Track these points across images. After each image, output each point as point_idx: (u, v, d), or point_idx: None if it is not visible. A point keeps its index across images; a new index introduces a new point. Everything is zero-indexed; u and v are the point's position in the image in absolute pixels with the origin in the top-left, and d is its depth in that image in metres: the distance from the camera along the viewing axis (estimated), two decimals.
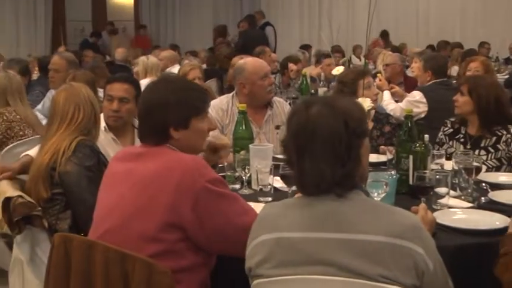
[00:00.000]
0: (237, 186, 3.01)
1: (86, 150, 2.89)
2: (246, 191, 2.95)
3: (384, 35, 12.07)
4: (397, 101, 5.39)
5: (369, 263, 1.77)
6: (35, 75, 7.29)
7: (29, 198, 2.70)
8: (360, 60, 9.10)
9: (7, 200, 2.66)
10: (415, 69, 6.57)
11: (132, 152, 2.38)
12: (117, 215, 2.19)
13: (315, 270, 1.79)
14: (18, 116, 4.30)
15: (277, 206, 2.01)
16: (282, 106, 4.06)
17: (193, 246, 2.14)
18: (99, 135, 3.18)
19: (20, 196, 2.67)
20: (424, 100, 5.11)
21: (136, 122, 3.71)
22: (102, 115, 3.39)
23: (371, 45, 10.07)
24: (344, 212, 1.83)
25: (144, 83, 5.37)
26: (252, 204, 2.52)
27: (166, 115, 2.27)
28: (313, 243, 1.82)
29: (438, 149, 3.55)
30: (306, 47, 11.14)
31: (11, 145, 4.04)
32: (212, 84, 7.51)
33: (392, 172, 2.80)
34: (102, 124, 3.44)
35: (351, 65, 8.07)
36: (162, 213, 2.10)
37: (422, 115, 5.06)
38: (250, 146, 3.08)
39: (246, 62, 4.10)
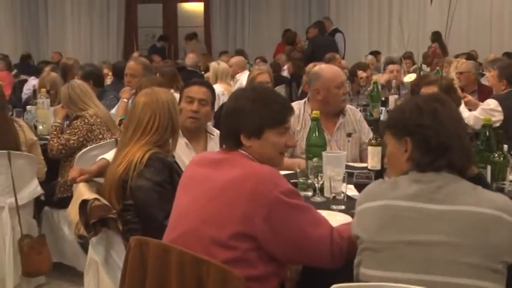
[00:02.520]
0: (310, 193, 2.99)
1: (157, 164, 2.85)
2: (318, 199, 2.92)
3: (437, 37, 11.71)
4: (470, 110, 5.26)
5: (471, 233, 1.86)
6: (109, 80, 7.45)
7: (104, 201, 2.73)
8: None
9: (84, 203, 2.70)
10: (489, 78, 6.40)
11: (210, 158, 2.40)
12: (191, 219, 2.20)
13: (418, 239, 1.88)
14: (98, 120, 4.41)
15: (385, 181, 2.12)
16: (354, 114, 4.00)
17: (265, 256, 2.14)
18: (176, 146, 3.13)
19: (97, 199, 2.71)
20: (500, 108, 4.97)
21: (210, 128, 3.79)
22: None
23: (431, 54, 9.87)
24: (452, 188, 1.94)
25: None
26: (325, 212, 2.51)
27: (239, 121, 2.31)
28: (419, 213, 1.90)
29: None
30: (375, 54, 11.02)
31: (86, 148, 4.16)
32: (281, 90, 7.52)
33: None
34: None
35: (422, 72, 7.95)
36: (235, 221, 2.10)
37: (497, 124, 4.91)
38: (323, 153, 3.05)
39: (323, 68, 4.07)
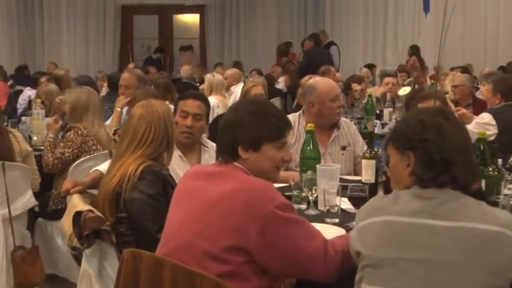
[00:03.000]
0: (304, 206, 2.99)
1: (151, 176, 2.83)
2: (312, 212, 2.93)
3: (415, 51, 11.73)
4: (464, 123, 5.26)
5: (474, 250, 1.84)
6: (103, 91, 7.46)
7: (98, 213, 2.73)
8: (426, 80, 8.95)
9: (78, 214, 2.69)
10: (484, 91, 6.41)
11: (203, 171, 2.39)
12: (184, 233, 2.19)
13: (420, 256, 1.86)
14: (91, 132, 4.40)
15: (386, 196, 2.09)
16: (348, 127, 4.00)
17: (259, 270, 2.13)
18: (171, 159, 3.12)
19: (90, 210, 2.70)
20: (494, 122, 4.98)
21: (204, 140, 3.79)
22: None
23: (409, 67, 9.90)
24: (455, 205, 1.92)
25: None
26: (319, 226, 2.51)
27: (237, 133, 2.31)
28: (420, 229, 1.89)
29: (510, 174, 3.45)
30: (370, 67, 11.06)
31: (80, 160, 4.16)
32: (276, 102, 7.53)
33: None
34: None
35: (416, 86, 7.97)
36: (228, 234, 2.09)
37: (492, 138, 4.91)
38: (318, 166, 3.06)
39: (318, 81, 4.08)
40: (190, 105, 3.60)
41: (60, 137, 4.61)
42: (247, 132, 2.31)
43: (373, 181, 3.18)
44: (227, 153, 2.33)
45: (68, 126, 4.48)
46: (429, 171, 1.96)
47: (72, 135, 4.38)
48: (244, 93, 5.61)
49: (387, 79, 7.72)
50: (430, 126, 1.98)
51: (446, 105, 4.16)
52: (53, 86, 6.13)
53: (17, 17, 15.22)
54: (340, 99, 3.97)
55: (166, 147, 3.00)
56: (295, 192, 3.02)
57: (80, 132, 4.38)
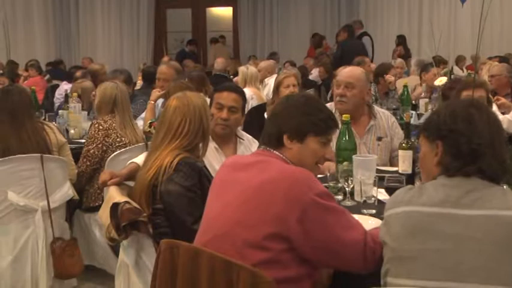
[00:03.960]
0: (340, 197, 2.97)
1: (186, 169, 2.83)
2: (348, 203, 2.91)
3: (402, 41, 11.48)
4: (503, 113, 5.19)
5: (501, 238, 1.82)
6: (139, 84, 7.51)
7: (135, 204, 2.74)
8: (463, 71, 8.82)
9: (115, 206, 2.71)
10: None
11: (242, 161, 2.41)
12: (223, 222, 2.20)
13: (446, 246, 1.85)
14: (114, 124, 4.43)
15: (412, 187, 2.09)
16: (386, 118, 3.96)
17: (298, 258, 2.13)
18: (206, 151, 3.12)
19: (127, 202, 2.72)
20: None
21: (239, 132, 3.79)
22: None
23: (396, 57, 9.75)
24: (480, 194, 1.90)
25: None
26: (356, 217, 2.49)
27: (285, 122, 2.36)
28: (446, 219, 1.88)
29: None
30: (405, 57, 10.95)
31: (116, 153, 4.18)
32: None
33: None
34: None
35: (453, 76, 7.86)
36: (269, 222, 2.09)
37: None
38: (354, 156, 3.04)
39: (340, 69, 4.08)
40: (226, 97, 3.60)
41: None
42: (295, 122, 2.35)
43: (410, 172, 3.16)
44: (272, 141, 2.36)
45: (91, 123, 4.53)
46: (456, 161, 1.95)
47: (93, 131, 4.43)
48: (277, 84, 5.59)
49: (434, 70, 7.57)
50: (461, 117, 1.98)
51: (489, 95, 4.08)
52: (88, 82, 6.21)
53: (53, 12, 15.44)
54: (342, 88, 3.84)
55: (202, 139, 3.00)
56: (331, 183, 3.00)
57: (100, 127, 4.41)
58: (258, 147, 2.47)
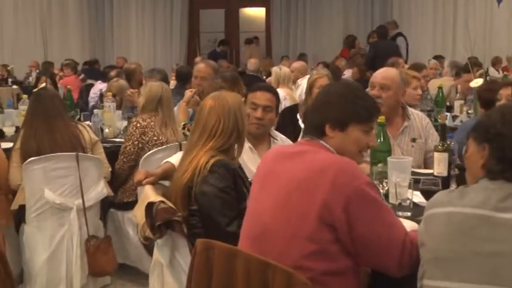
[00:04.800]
0: None
1: (221, 170, 2.83)
2: None
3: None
4: None
5: None
6: (172, 84, 7.54)
7: (170, 204, 2.76)
8: (499, 73, 8.69)
9: (150, 205, 2.73)
10: None
11: (286, 151, 2.40)
12: (270, 215, 2.21)
13: (485, 248, 1.82)
14: (152, 123, 4.46)
15: (454, 189, 2.07)
16: (420, 119, 3.92)
17: (345, 250, 2.12)
18: (241, 152, 3.10)
19: (162, 201, 2.73)
20: None
21: (273, 132, 3.80)
22: None
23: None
24: None
25: None
26: None
27: (326, 111, 2.35)
28: (485, 221, 1.85)
29: None
30: (438, 58, 10.83)
31: (150, 152, 4.21)
32: None
33: None
34: None
35: (488, 77, 7.75)
36: (317, 210, 2.08)
37: None
38: (389, 158, 3.01)
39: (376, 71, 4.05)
40: (260, 97, 3.63)
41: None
42: (337, 111, 2.34)
43: (445, 174, 3.12)
44: (314, 131, 2.36)
45: (129, 120, 4.58)
46: (499, 165, 1.93)
47: (131, 129, 4.48)
48: (310, 86, 5.58)
49: (466, 76, 7.46)
50: (510, 122, 1.94)
51: None
52: (122, 82, 6.26)
53: (87, 12, 15.65)
54: (376, 89, 3.80)
55: (237, 139, 2.99)
56: None
57: (138, 125, 4.46)
58: (301, 137, 2.47)
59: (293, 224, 2.12)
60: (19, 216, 4.06)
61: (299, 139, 3.85)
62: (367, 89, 3.79)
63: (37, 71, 11.44)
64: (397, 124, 3.84)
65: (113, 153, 4.54)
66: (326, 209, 2.07)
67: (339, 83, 2.55)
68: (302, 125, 4.09)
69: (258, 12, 16.25)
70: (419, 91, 5.40)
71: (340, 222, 2.07)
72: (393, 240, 2.10)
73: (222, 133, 2.93)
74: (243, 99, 3.68)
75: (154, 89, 4.61)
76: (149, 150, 4.27)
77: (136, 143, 4.43)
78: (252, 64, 9.52)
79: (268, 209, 2.23)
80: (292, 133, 4.88)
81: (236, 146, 3.02)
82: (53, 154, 3.92)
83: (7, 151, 4.17)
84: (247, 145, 3.56)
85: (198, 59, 10.78)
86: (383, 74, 3.91)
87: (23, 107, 5.38)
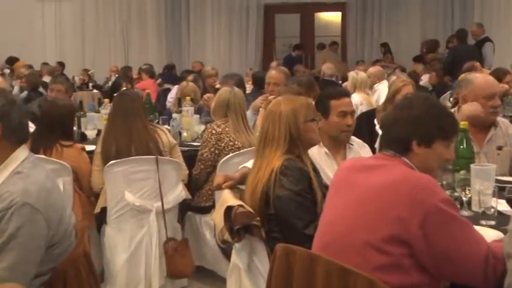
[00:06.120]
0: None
1: (295, 173, 2.84)
2: (466, 213, 2.82)
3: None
4: None
5: None
6: (248, 89, 7.60)
7: (249, 208, 2.77)
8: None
9: (229, 209, 2.75)
10: None
11: (364, 163, 2.39)
12: (342, 224, 2.20)
13: None
14: (227, 128, 4.49)
15: None
16: (505, 127, 3.80)
17: (419, 265, 2.08)
18: (310, 157, 3.08)
19: (241, 205, 2.75)
20: None
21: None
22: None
23: None
24: None
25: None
26: (476, 228, 2.40)
27: (414, 127, 2.31)
28: None
29: None
30: None
31: (228, 156, 4.25)
32: None
33: None
34: None
35: None
36: (389, 224, 2.06)
37: None
38: (472, 165, 2.94)
39: (477, 76, 3.95)
40: (347, 104, 3.65)
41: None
42: (425, 128, 2.30)
43: None
44: (399, 146, 2.32)
45: (205, 127, 4.62)
46: None
47: (207, 136, 4.52)
48: (394, 92, 5.48)
49: None
50: None
51: None
52: (192, 85, 6.36)
53: (165, 18, 15.96)
54: (497, 99, 3.72)
55: (292, 144, 2.95)
56: (447, 192, 2.91)
57: (213, 131, 4.50)
58: (379, 150, 2.43)
59: (365, 234, 2.10)
60: (101, 218, 4.17)
61: (376, 146, 3.81)
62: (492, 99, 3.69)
63: (116, 75, 11.75)
64: (485, 132, 3.73)
65: (190, 157, 4.60)
66: (401, 224, 2.05)
67: (420, 97, 2.49)
68: (379, 131, 4.10)
69: (333, 17, 16.14)
70: None
71: (416, 239, 2.04)
72: (474, 256, 2.04)
73: (275, 139, 2.94)
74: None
75: (222, 94, 4.66)
76: (225, 156, 4.30)
77: (212, 149, 4.47)
78: (328, 68, 9.45)
79: (339, 218, 2.22)
80: (369, 138, 4.81)
81: (296, 151, 2.97)
82: (133, 157, 4.00)
83: (89, 153, 4.30)
84: (323, 150, 3.58)
85: (273, 63, 10.83)
86: (495, 82, 3.88)
87: (105, 111, 5.53)
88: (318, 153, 3.54)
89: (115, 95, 4.82)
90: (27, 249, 2.14)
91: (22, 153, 2.34)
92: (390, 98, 5.39)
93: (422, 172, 2.24)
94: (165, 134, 4.34)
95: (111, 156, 4.04)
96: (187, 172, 4.47)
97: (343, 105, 3.62)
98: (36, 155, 2.65)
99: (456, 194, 2.90)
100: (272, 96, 5.36)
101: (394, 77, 7.54)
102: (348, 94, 3.79)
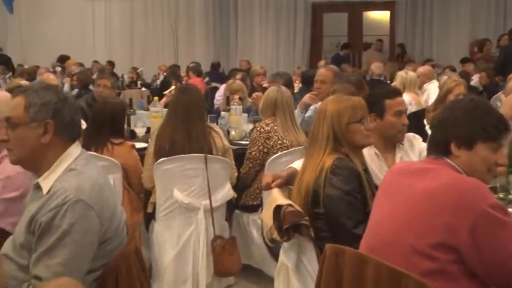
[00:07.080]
0: (510, 209, 2.81)
1: (345, 172, 2.83)
2: None
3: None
4: None
5: None
6: (296, 87, 7.58)
7: (298, 207, 2.76)
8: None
9: (278, 208, 2.75)
10: None
11: (411, 167, 2.36)
12: (389, 227, 2.18)
13: None
14: (275, 127, 4.49)
15: None
16: None
17: (468, 271, 2.04)
18: (360, 157, 3.07)
19: (290, 205, 2.74)
20: None
21: None
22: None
23: None
24: None
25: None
26: None
27: (451, 129, 2.27)
28: None
29: None
30: None
31: (276, 155, 4.25)
32: None
33: None
34: None
35: None
36: (437, 230, 2.03)
37: None
38: None
39: None
40: (401, 102, 3.62)
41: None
42: (462, 129, 2.25)
43: None
44: (439, 149, 2.28)
45: (253, 126, 4.63)
46: None
47: (255, 134, 4.53)
48: (446, 92, 5.40)
49: None
50: None
51: None
52: (239, 82, 6.37)
53: (213, 17, 16.07)
54: None
55: (335, 144, 2.94)
56: (501, 195, 2.87)
57: (262, 130, 4.50)
58: (426, 155, 2.40)
59: (413, 239, 2.07)
60: (149, 214, 4.21)
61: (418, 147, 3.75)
62: None
63: (164, 74, 11.87)
64: None
65: (238, 156, 4.61)
66: (449, 231, 2.01)
67: (466, 99, 2.44)
68: (429, 131, 4.05)
69: (382, 16, 15.99)
70: None
71: (465, 245, 2.00)
72: None
73: (319, 138, 2.95)
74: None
75: (270, 93, 4.67)
76: (274, 155, 4.30)
77: (261, 148, 4.48)
78: (376, 68, 9.37)
79: (386, 221, 2.20)
80: None
81: (346, 151, 2.96)
82: (182, 155, 4.02)
83: (139, 151, 4.35)
84: (372, 151, 3.54)
85: (321, 62, 10.79)
86: None
87: (154, 109, 5.59)
88: (368, 154, 3.50)
89: (170, 89, 4.83)
90: (80, 245, 2.17)
91: (75, 150, 2.38)
92: (442, 97, 5.32)
93: (470, 175, 2.20)
94: (219, 137, 4.30)
95: (164, 152, 4.06)
96: (236, 174, 4.48)
97: (398, 105, 3.58)
98: (88, 152, 2.69)
99: (511, 196, 2.85)
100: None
101: (445, 77, 7.42)
102: (400, 93, 3.76)
